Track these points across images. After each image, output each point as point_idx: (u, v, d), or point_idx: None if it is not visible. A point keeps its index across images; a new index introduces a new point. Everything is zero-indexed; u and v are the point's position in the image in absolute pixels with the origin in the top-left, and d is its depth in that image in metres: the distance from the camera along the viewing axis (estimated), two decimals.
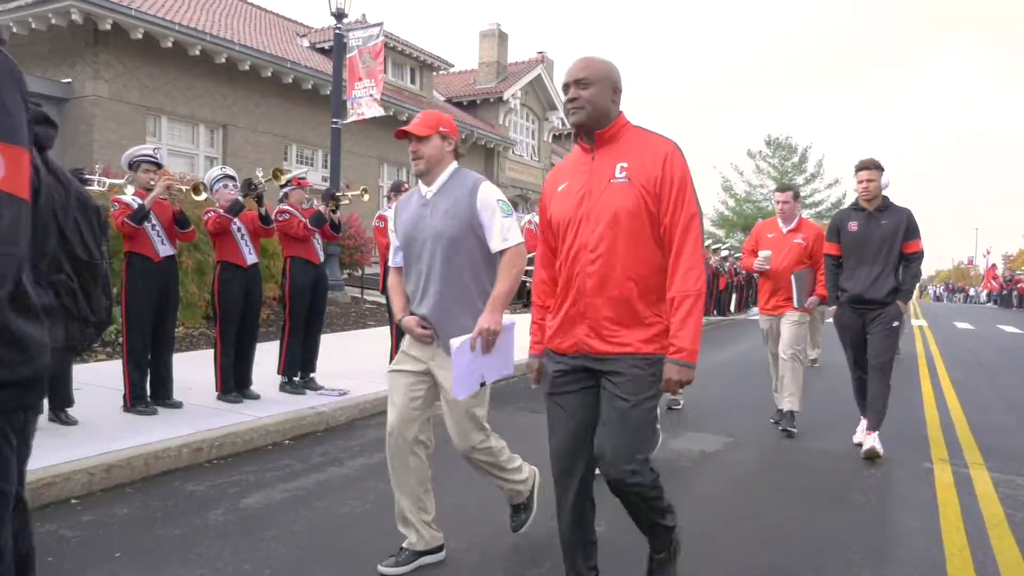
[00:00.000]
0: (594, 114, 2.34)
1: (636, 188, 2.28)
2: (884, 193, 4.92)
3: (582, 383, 2.43)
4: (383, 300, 8.26)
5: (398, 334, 6.63)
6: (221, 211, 5.30)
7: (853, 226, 4.91)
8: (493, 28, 24.42)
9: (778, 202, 5.68)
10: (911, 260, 4.85)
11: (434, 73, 22.00)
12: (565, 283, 2.41)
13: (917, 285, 10.26)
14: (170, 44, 12.90)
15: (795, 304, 5.38)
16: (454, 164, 2.91)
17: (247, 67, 14.47)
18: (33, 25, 12.46)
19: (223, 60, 13.96)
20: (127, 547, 3.08)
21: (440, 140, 2.85)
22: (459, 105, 23.55)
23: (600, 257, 2.30)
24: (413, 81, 20.89)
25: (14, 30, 12.76)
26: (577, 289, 2.35)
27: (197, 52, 13.42)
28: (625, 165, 2.31)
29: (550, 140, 26.68)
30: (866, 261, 4.84)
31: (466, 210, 2.79)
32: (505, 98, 23.41)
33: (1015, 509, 3.95)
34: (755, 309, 18.88)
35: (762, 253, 5.53)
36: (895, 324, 4.83)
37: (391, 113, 17.27)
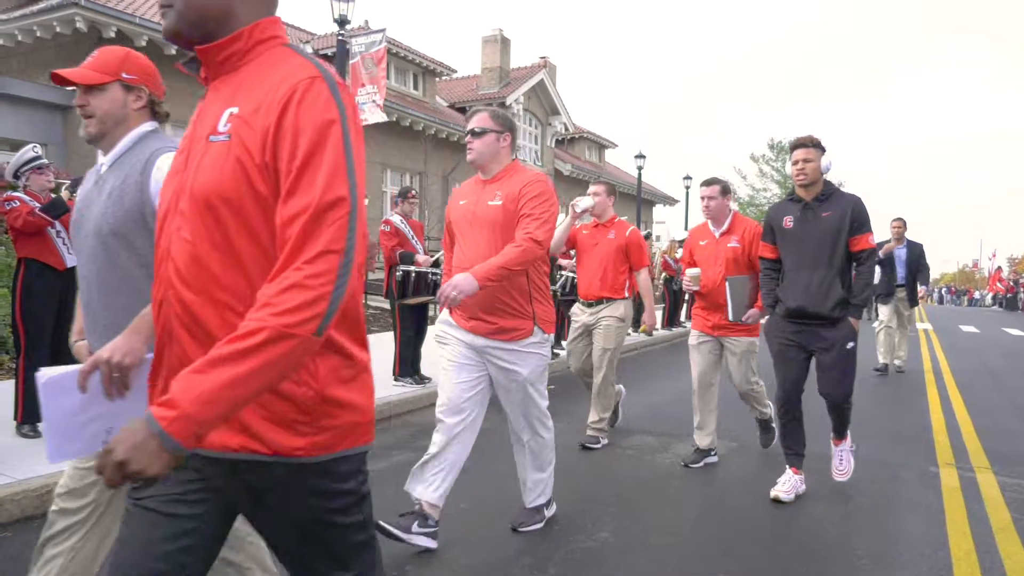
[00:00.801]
0: (192, 16, 1.32)
1: (235, 152, 1.26)
2: (826, 178, 3.99)
3: (191, 489, 1.33)
4: (387, 305, 8.24)
5: (403, 344, 6.65)
6: None
7: (788, 222, 3.99)
8: (495, 34, 24.49)
9: (703, 198, 4.64)
10: (860, 261, 3.91)
11: (437, 79, 22.05)
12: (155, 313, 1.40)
13: (925, 289, 9.83)
14: (173, 51, 12.95)
15: (730, 317, 4.45)
16: (146, 126, 2.04)
17: None
18: (38, 33, 12.54)
19: None
20: None
21: (122, 91, 2.00)
22: (462, 111, 23.58)
23: (182, 271, 1.30)
24: (416, 87, 20.94)
25: (19, 38, 12.83)
26: (163, 324, 1.35)
27: None
28: (235, 111, 1.29)
29: (553, 145, 26.71)
30: (805, 265, 3.92)
31: (134, 194, 1.88)
32: (508, 103, 23.44)
33: (1022, 513, 3.93)
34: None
35: (690, 272, 4.61)
36: (850, 346, 3.92)
37: (394, 119, 17.32)
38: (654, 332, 7.99)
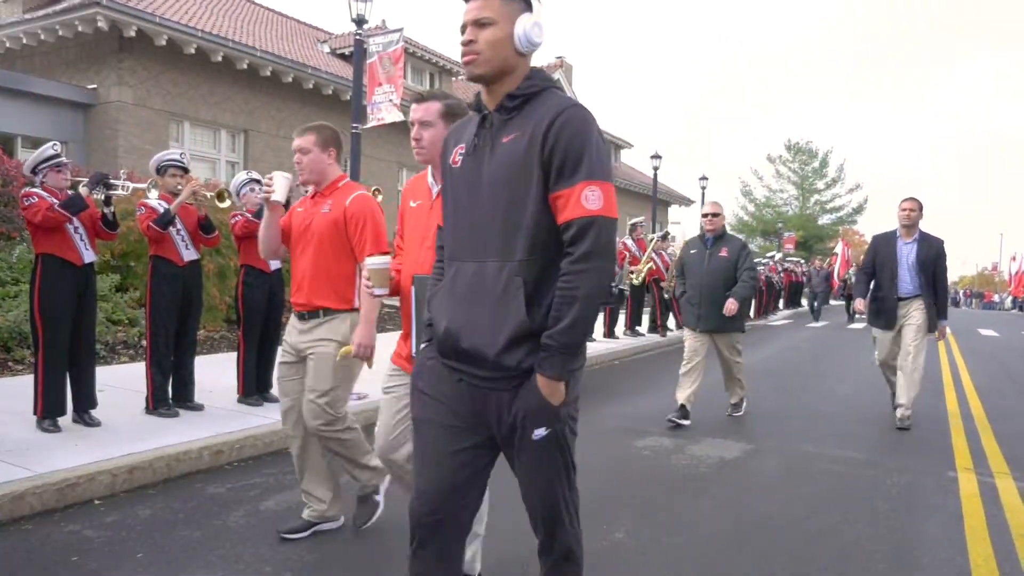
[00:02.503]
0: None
1: None
2: (533, 65, 1.90)
3: None
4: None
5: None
6: (249, 215, 5.35)
7: (456, 158, 1.93)
8: None
9: (412, 123, 2.57)
10: (573, 235, 1.72)
11: (453, 78, 22.09)
12: None
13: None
14: (193, 51, 13.06)
15: (412, 349, 2.51)
16: None
17: (268, 73, 14.61)
18: (60, 32, 12.69)
19: (245, 66, 14.10)
20: (149, 548, 3.11)
21: None
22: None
23: None
24: (432, 86, 20.98)
25: (42, 37, 13.00)
26: None
27: (219, 58, 13.57)
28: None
29: None
30: (466, 248, 1.86)
31: None
32: None
33: None
34: (776, 315, 18.43)
35: (370, 261, 2.53)
36: (538, 435, 1.80)
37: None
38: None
